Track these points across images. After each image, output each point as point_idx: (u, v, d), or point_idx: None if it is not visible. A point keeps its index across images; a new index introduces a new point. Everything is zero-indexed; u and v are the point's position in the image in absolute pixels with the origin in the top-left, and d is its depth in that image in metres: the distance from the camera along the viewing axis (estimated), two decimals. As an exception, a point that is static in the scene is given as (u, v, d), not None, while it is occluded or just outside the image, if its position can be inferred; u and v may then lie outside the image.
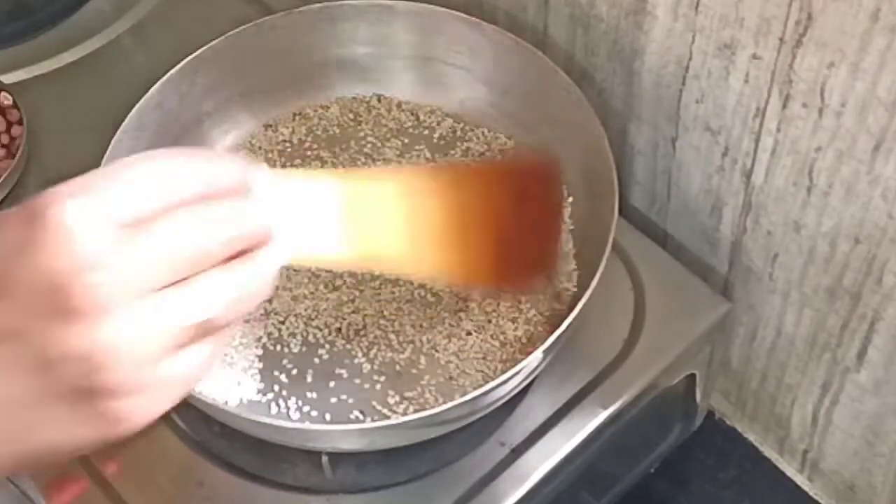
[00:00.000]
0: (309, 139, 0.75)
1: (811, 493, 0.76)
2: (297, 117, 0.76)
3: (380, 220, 0.51)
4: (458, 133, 0.75)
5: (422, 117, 0.76)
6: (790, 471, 0.77)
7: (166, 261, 0.40)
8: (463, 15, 0.73)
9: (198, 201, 0.41)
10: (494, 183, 0.56)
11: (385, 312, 0.67)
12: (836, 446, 0.73)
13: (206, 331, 0.41)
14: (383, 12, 0.74)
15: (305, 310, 0.67)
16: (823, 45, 0.55)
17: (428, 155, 0.74)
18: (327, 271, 0.69)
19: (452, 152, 0.74)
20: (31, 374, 0.40)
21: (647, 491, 0.76)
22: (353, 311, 0.67)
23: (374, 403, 0.64)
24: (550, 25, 0.73)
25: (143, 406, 0.41)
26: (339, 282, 0.68)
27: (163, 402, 0.42)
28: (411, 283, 0.68)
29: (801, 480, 0.77)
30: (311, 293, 0.68)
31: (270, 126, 0.76)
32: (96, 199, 0.40)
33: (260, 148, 0.75)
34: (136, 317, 0.40)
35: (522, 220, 0.57)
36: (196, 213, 0.41)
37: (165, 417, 0.65)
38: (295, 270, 0.68)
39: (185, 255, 0.41)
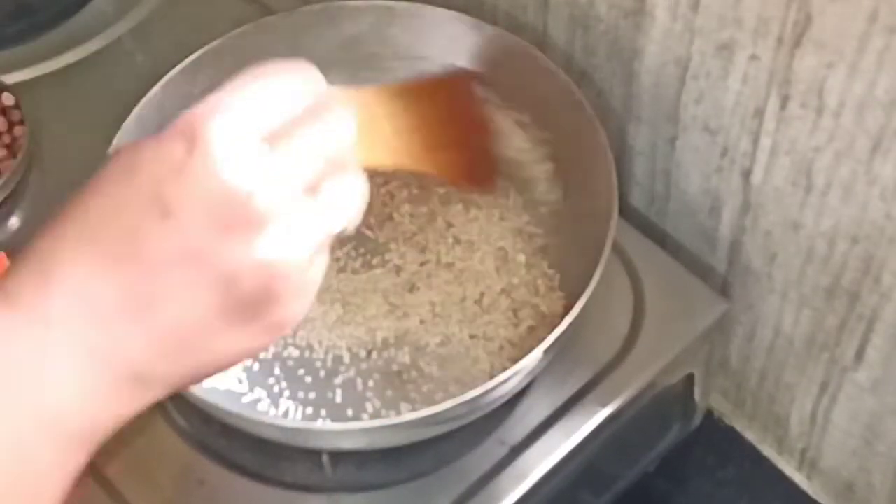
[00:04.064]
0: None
1: (810, 493, 0.76)
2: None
3: (385, 127, 0.56)
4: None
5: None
6: (789, 470, 0.77)
7: (305, 166, 0.42)
8: (463, 15, 0.73)
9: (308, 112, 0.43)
10: (433, 98, 0.61)
11: (386, 313, 0.67)
12: (835, 445, 0.73)
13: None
14: (383, 13, 0.75)
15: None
16: (822, 45, 0.55)
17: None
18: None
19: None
20: (211, 292, 0.41)
21: (646, 490, 0.76)
22: (354, 312, 0.67)
23: (375, 402, 0.64)
24: (550, 26, 0.73)
25: (299, 311, 0.43)
26: (339, 281, 0.68)
27: (306, 305, 0.43)
28: (413, 285, 0.68)
29: (799, 479, 0.77)
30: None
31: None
32: (238, 116, 0.41)
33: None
34: (298, 223, 0.41)
35: (465, 127, 0.63)
36: (317, 122, 0.43)
37: (166, 416, 0.66)
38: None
39: (316, 159, 0.42)
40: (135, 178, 0.41)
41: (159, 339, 0.41)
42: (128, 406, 0.42)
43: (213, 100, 0.42)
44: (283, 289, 0.41)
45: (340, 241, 0.70)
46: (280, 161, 0.41)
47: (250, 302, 0.41)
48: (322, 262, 0.44)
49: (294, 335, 0.66)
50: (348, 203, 0.44)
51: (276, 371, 0.65)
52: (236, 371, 0.65)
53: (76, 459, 0.42)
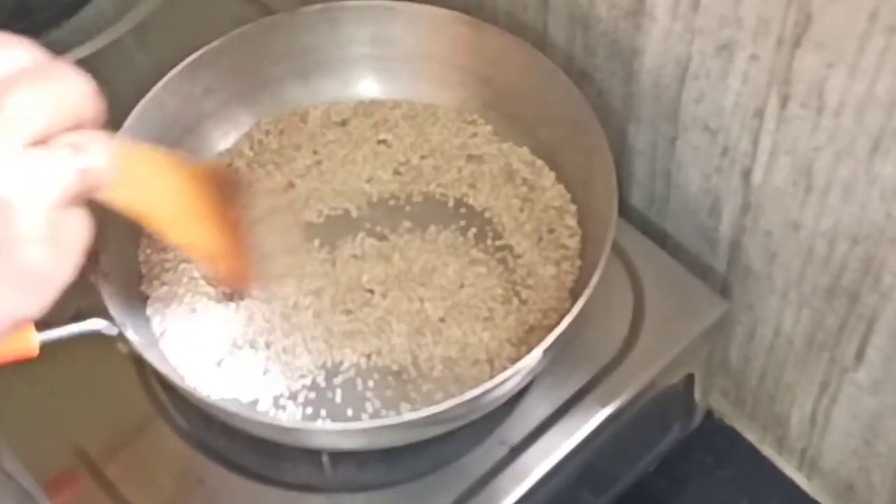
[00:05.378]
0: (309, 138, 0.75)
1: (810, 493, 0.76)
2: (296, 117, 0.76)
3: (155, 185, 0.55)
4: (458, 133, 0.75)
5: (421, 118, 0.76)
6: (789, 470, 0.77)
7: (25, 116, 0.40)
8: (463, 15, 0.73)
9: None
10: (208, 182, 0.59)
11: (385, 312, 0.67)
12: (835, 445, 0.73)
13: (84, 188, 0.42)
14: (383, 13, 0.75)
15: (306, 310, 0.67)
16: (822, 45, 0.55)
17: (427, 155, 0.74)
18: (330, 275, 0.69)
19: (452, 153, 0.74)
20: None
21: (647, 490, 0.76)
22: (354, 311, 0.67)
23: (375, 402, 0.64)
24: (550, 25, 0.73)
25: (46, 263, 0.41)
26: (339, 283, 0.69)
27: (60, 262, 0.42)
28: (411, 287, 0.68)
29: (799, 479, 0.77)
30: (312, 294, 0.68)
31: (270, 132, 0.76)
32: None
33: (260, 148, 0.75)
34: (25, 161, 0.40)
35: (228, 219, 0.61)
36: (32, 77, 0.41)
37: (166, 416, 0.66)
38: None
39: (39, 114, 0.41)
40: None
41: None
42: None
43: None
44: (18, 228, 0.40)
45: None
46: None
47: None
48: (75, 219, 0.42)
49: (295, 336, 0.67)
50: (84, 152, 0.42)
51: (277, 371, 0.65)
52: (237, 371, 0.65)
53: None
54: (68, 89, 0.43)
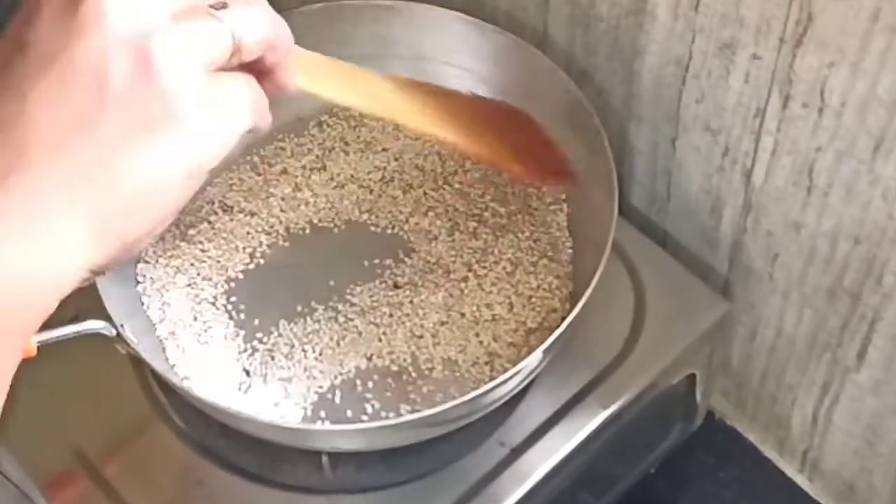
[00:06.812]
0: (310, 138, 0.75)
1: (811, 493, 0.76)
2: (296, 117, 0.76)
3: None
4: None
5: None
6: (790, 471, 0.77)
7: None
8: (463, 15, 0.73)
9: None
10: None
11: (385, 313, 0.67)
12: (836, 446, 0.73)
13: (239, 57, 0.44)
14: (383, 12, 0.75)
15: (306, 310, 0.67)
16: (823, 44, 0.55)
17: (426, 155, 0.74)
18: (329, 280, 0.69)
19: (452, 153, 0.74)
20: (84, 91, 0.39)
21: (647, 491, 0.76)
22: (354, 312, 0.67)
23: (374, 403, 0.64)
24: (550, 25, 0.73)
25: (204, 124, 0.41)
26: (339, 282, 0.68)
27: (216, 123, 0.42)
28: (411, 286, 0.68)
29: (801, 480, 0.77)
30: (312, 294, 0.68)
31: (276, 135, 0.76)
32: None
33: (263, 151, 0.75)
34: (175, 21, 0.41)
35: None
36: None
37: (165, 417, 0.66)
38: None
39: None
40: None
41: (59, 163, 0.39)
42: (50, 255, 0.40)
43: None
44: (161, 80, 0.40)
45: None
46: None
47: (128, 91, 0.40)
48: (232, 80, 0.43)
49: (295, 337, 0.66)
50: (235, 21, 0.44)
51: (277, 372, 0.65)
52: (237, 372, 0.65)
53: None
54: None
